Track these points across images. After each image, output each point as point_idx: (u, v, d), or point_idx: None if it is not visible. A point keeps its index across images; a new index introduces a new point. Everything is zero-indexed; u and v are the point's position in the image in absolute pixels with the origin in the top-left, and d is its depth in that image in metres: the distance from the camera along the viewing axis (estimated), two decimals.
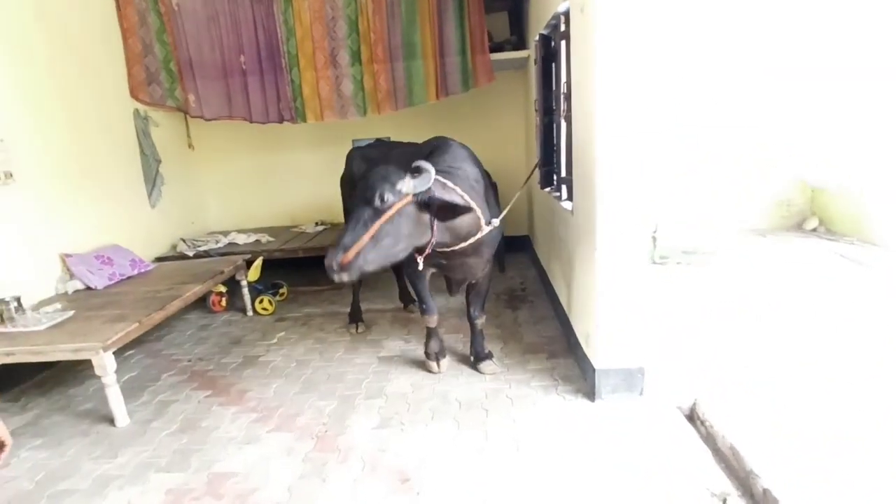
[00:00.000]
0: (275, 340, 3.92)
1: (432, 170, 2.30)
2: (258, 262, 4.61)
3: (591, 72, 2.36)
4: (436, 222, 2.36)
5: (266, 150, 5.88)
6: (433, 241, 2.42)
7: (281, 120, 4.81)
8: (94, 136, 4.34)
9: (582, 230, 2.73)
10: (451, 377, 3.09)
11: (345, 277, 2.24)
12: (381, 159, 3.24)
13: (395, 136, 5.40)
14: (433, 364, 3.18)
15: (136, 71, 4.81)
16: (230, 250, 4.95)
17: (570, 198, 3.13)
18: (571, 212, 2.96)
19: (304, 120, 4.77)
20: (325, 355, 3.57)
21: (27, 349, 2.79)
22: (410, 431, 2.58)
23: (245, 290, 4.53)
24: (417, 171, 2.30)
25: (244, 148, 5.89)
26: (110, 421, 2.92)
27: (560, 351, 3.28)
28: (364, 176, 2.40)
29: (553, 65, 3.50)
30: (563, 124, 3.17)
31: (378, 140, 3.71)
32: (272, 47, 4.63)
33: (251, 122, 4.87)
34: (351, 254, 2.20)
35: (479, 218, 2.51)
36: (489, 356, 3.16)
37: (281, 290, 4.84)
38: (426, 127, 5.34)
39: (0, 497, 2.39)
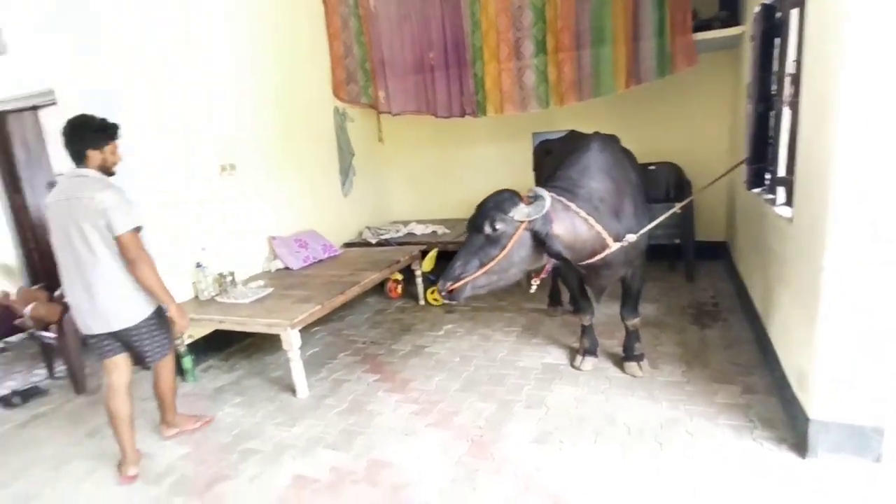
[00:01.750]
0: (442, 332, 3.99)
1: (547, 199, 2.27)
2: (433, 253, 4.75)
3: (835, 45, 1.87)
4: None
5: (447, 143, 6.04)
6: (548, 267, 2.51)
7: (463, 114, 4.88)
8: (299, 132, 4.87)
9: (804, 243, 2.21)
10: (621, 397, 2.79)
11: (453, 302, 2.37)
12: (556, 153, 3.21)
13: (577, 129, 5.12)
14: (578, 359, 3.19)
15: (338, 71, 5.28)
16: (408, 240, 5.19)
17: (788, 202, 2.59)
18: (790, 219, 2.43)
19: (485, 113, 4.76)
20: (489, 354, 3.51)
21: (234, 319, 3.22)
22: (570, 451, 2.38)
23: (419, 280, 4.70)
24: (534, 197, 2.31)
25: (428, 142, 6.14)
26: (292, 391, 3.23)
27: (759, 385, 2.75)
28: (482, 202, 2.43)
29: (776, 40, 2.92)
30: (787, 112, 2.62)
31: (572, 132, 3.52)
32: (458, 42, 4.70)
33: (436, 116, 5.02)
34: (459, 284, 2.29)
35: (602, 238, 2.45)
36: (638, 357, 3.04)
37: None
38: (608, 118, 4.96)
39: (207, 444, 2.79)
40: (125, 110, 3.33)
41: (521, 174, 5.71)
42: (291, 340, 3.05)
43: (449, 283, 2.29)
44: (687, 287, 4.38)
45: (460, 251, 2.36)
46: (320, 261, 4.55)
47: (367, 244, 5.24)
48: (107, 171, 2.50)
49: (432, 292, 4.67)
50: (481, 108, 4.76)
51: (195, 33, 3.84)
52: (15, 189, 4.85)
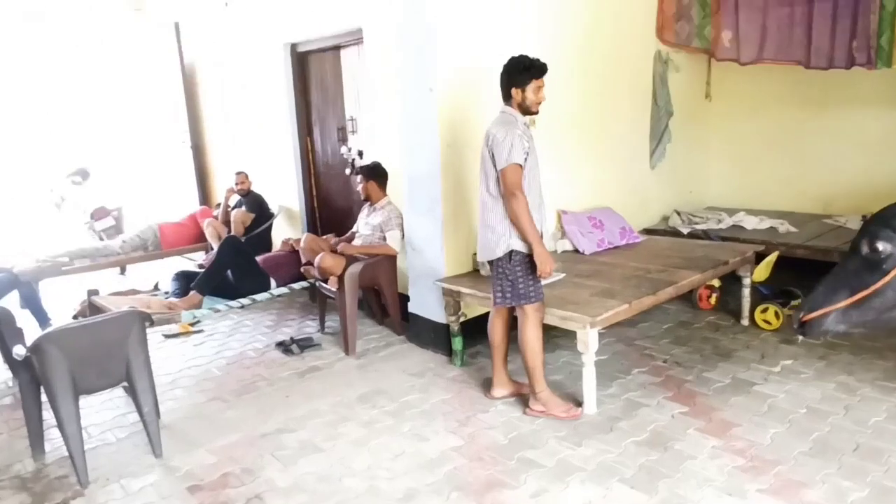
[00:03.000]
0: (777, 369, 3.71)
1: None
2: (771, 258, 4.40)
3: None
4: None
5: (806, 106, 5.48)
6: None
7: (850, 64, 4.36)
8: (607, 82, 4.95)
9: None
10: None
11: (807, 338, 2.26)
12: None
13: None
14: None
15: (667, 5, 5.18)
16: (734, 235, 4.92)
17: None
18: None
19: (889, 65, 4.17)
20: (855, 414, 3.14)
21: None
22: None
23: (745, 291, 4.42)
24: None
25: (774, 103, 5.66)
26: (577, 403, 3.37)
27: None
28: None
29: None
30: None
31: None
32: None
33: (807, 67, 4.59)
34: (815, 315, 2.13)
35: None
36: None
37: (793, 302, 4.50)
38: None
39: (480, 440, 3.11)
40: (438, 49, 3.79)
41: None
42: (589, 342, 3.16)
43: (803, 313, 2.17)
44: None
45: (829, 275, 2.19)
46: (616, 247, 4.61)
47: (676, 234, 5.13)
48: (525, 110, 3.18)
49: (763, 311, 4.35)
50: (884, 56, 4.17)
51: None
52: (307, 132, 6.00)
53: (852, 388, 3.42)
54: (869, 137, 5.17)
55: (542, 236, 3.14)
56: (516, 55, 3.17)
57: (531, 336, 3.24)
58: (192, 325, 4.91)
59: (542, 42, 4.39)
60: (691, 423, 3.14)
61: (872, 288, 2.07)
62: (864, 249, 2.08)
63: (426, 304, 4.26)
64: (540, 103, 3.20)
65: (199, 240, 6.45)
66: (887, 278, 2.04)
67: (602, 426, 3.17)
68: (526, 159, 3.11)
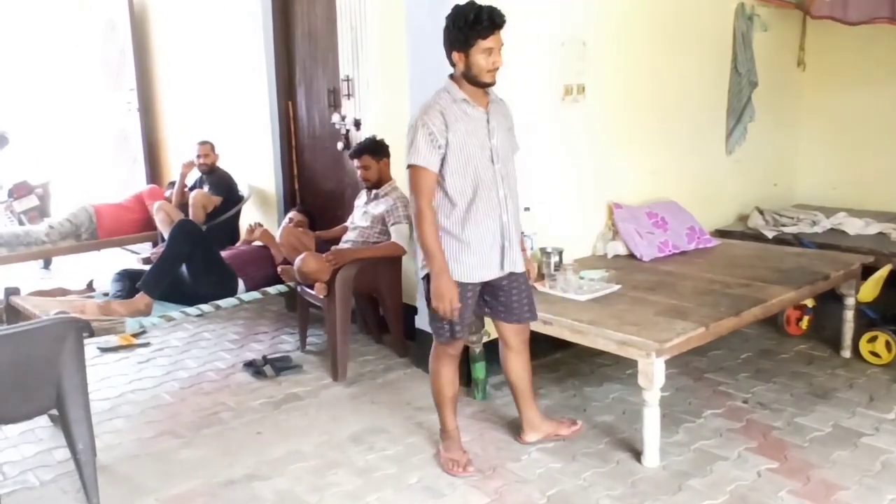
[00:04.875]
0: (892, 416, 3.63)
1: None
2: (882, 273, 4.32)
3: None
4: None
5: None
6: None
7: None
8: (676, 43, 4.89)
9: None
10: None
11: None
12: None
13: None
14: None
15: None
16: (833, 241, 4.85)
17: None
18: None
19: None
20: None
21: (567, 322, 3.40)
22: None
23: (849, 315, 4.33)
24: None
25: (885, 75, 5.57)
26: (635, 452, 3.29)
27: None
28: None
29: None
30: None
31: None
32: None
33: None
34: None
35: None
36: None
37: None
38: None
39: (510, 498, 3.02)
40: None
41: None
42: (654, 375, 3.07)
43: None
44: None
45: None
46: (684, 252, 4.55)
47: (759, 237, 5.07)
48: (473, 80, 2.91)
49: (870, 340, 4.26)
50: None
51: None
52: (287, 95, 5.91)
53: None
54: None
55: (504, 247, 3.02)
56: (461, 3, 2.87)
57: (434, 370, 3.27)
58: (136, 335, 4.84)
59: (596, 3, 4.33)
60: (783, 484, 3.05)
61: None
62: None
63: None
64: (494, 71, 2.86)
65: (145, 227, 6.41)
66: None
67: (668, 484, 3.08)
68: (445, 156, 2.87)
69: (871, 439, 3.40)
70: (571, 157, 4.36)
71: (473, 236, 2.96)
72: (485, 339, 3.92)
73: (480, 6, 2.81)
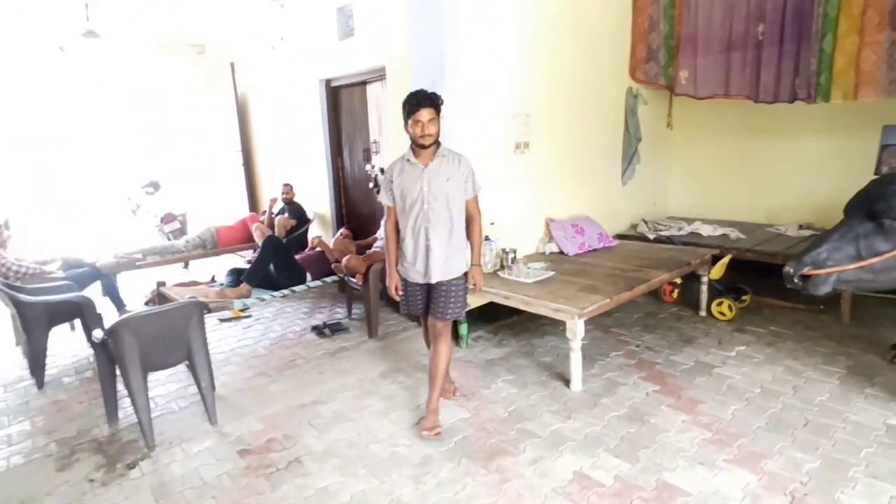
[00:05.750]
0: (733, 353, 3.54)
1: None
2: (725, 260, 4.23)
3: None
4: None
5: (752, 133, 5.29)
6: None
7: (792, 99, 4.17)
8: (589, 114, 4.77)
9: None
10: None
11: (804, 290, 2.01)
12: None
13: None
14: None
15: (639, 48, 5.00)
16: (693, 240, 4.73)
17: None
18: None
19: (827, 99, 3.97)
20: (803, 394, 2.97)
21: (520, 297, 3.32)
22: None
23: (703, 288, 4.25)
24: None
25: (725, 130, 5.46)
26: (565, 381, 3.22)
27: None
28: (879, 182, 1.99)
29: None
30: None
31: None
32: (802, 10, 3.98)
33: (756, 101, 4.41)
34: (821, 272, 1.96)
35: None
36: None
37: (744, 297, 4.34)
38: None
39: (484, 413, 2.95)
40: (447, 84, 3.63)
41: (856, 176, 4.68)
42: (577, 330, 3.01)
43: (807, 268, 1.95)
44: None
45: (829, 234, 1.99)
46: (595, 250, 4.44)
47: (644, 239, 4.95)
48: (414, 143, 2.66)
49: (718, 304, 4.18)
50: (823, 91, 3.98)
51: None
52: (338, 152, 5.83)
53: (798, 371, 3.25)
54: (805, 160, 4.99)
55: (427, 263, 2.72)
56: (411, 92, 2.67)
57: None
58: (242, 311, 4.75)
59: (537, 85, 4.24)
60: (663, 401, 2.99)
61: (887, 256, 1.90)
62: (886, 220, 1.90)
63: None
64: (423, 137, 2.58)
65: (248, 240, 6.30)
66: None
67: (588, 402, 3.01)
68: (397, 195, 2.72)
69: (720, 370, 3.33)
70: (522, 189, 4.26)
71: (408, 252, 2.76)
72: (466, 308, 3.84)
73: (415, 93, 2.62)
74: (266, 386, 3.44)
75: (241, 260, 6.31)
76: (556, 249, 4.40)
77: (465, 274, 2.85)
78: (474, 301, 3.94)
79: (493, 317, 4.22)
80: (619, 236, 5.10)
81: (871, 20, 3.67)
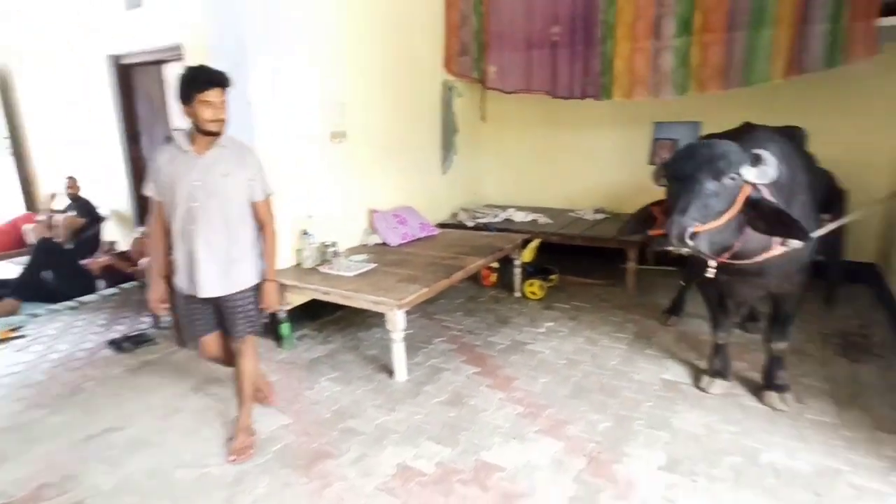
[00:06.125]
0: (542, 330, 3.82)
1: (774, 165, 2.06)
2: (535, 244, 4.56)
3: None
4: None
5: (554, 126, 5.77)
6: (736, 248, 2.19)
7: (584, 96, 4.60)
8: (407, 104, 4.78)
9: None
10: (763, 432, 2.52)
11: (691, 248, 1.97)
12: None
13: (706, 121, 4.72)
14: (706, 380, 2.92)
15: (452, 42, 5.14)
16: (507, 227, 5.02)
17: None
18: None
19: (609, 97, 4.46)
20: (598, 360, 3.31)
21: (339, 292, 3.20)
22: (708, 489, 2.16)
23: (517, 271, 4.53)
24: (757, 161, 2.08)
25: (532, 124, 5.88)
26: (389, 372, 3.19)
27: None
28: (705, 142, 2.20)
29: None
30: None
31: (747, 124, 3.06)
32: (588, 17, 4.41)
33: (554, 96, 4.78)
34: (704, 228, 1.99)
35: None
36: (781, 388, 2.75)
37: (551, 277, 4.73)
38: (749, 110, 4.44)
39: (306, 416, 2.79)
40: (251, 66, 3.34)
41: (637, 166, 5.37)
42: (397, 321, 2.99)
43: (695, 224, 1.96)
44: (826, 312, 3.94)
45: (682, 196, 2.04)
46: (418, 239, 4.48)
47: (463, 227, 5.12)
48: (200, 129, 2.24)
49: (530, 285, 4.50)
50: (606, 90, 4.46)
51: None
52: (134, 140, 5.12)
53: (595, 340, 3.61)
54: (599, 151, 5.57)
55: (194, 273, 2.32)
56: (190, 66, 2.26)
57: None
58: (12, 331, 3.94)
59: (353, 73, 4.11)
60: (483, 381, 3.10)
61: (728, 217, 2.03)
62: (725, 179, 2.03)
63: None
64: (213, 122, 2.20)
65: (20, 245, 5.27)
66: (733, 212, 2.05)
67: (411, 391, 3.02)
68: (165, 187, 2.30)
69: (531, 346, 3.53)
70: (342, 180, 4.13)
71: (179, 257, 2.38)
72: (287, 308, 3.63)
73: (201, 68, 2.23)
74: (41, 420, 2.88)
75: (18, 269, 5.27)
76: (380, 240, 4.35)
77: (258, 286, 2.48)
78: (295, 299, 3.74)
79: (317, 313, 4.04)
80: (441, 225, 5.22)
81: (640, 29, 4.18)
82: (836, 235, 3.88)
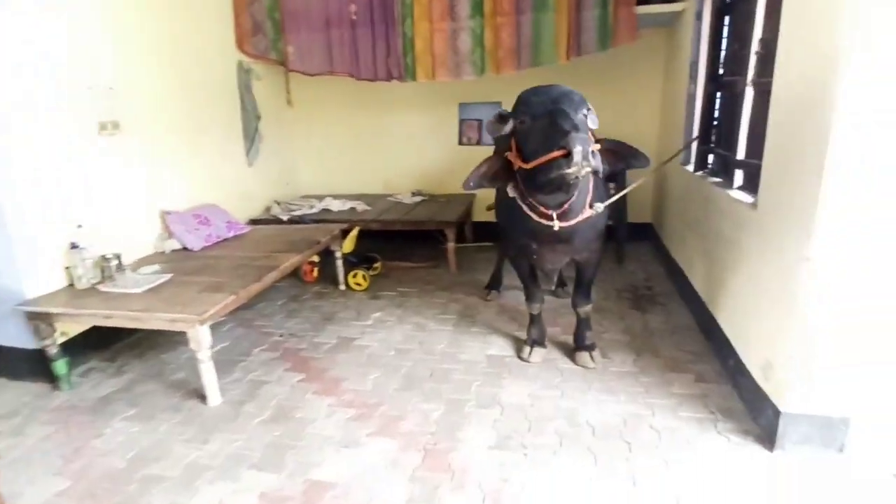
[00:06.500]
0: (370, 322, 3.68)
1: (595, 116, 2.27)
2: (354, 233, 4.38)
3: (831, 18, 1.79)
4: None
5: (365, 109, 5.61)
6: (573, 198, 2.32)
7: (389, 77, 4.49)
8: (197, 89, 4.22)
9: (772, 231, 2.18)
10: (578, 391, 2.69)
11: (590, 168, 1.93)
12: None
13: (506, 102, 4.95)
14: (526, 350, 3.04)
15: (243, 20, 4.64)
16: (324, 217, 4.76)
17: (748, 188, 2.57)
18: (752, 205, 2.41)
19: (414, 78, 4.40)
20: (426, 346, 3.27)
21: (124, 314, 2.68)
22: (536, 459, 2.22)
23: (339, 263, 4.32)
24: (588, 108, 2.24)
25: (342, 107, 5.65)
26: (201, 397, 2.79)
27: (710, 374, 2.77)
28: (550, 84, 2.28)
29: (729, 18, 2.88)
30: (750, 93, 2.58)
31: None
32: None
33: (358, 78, 4.59)
34: (595, 148, 1.99)
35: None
36: (590, 347, 2.97)
37: (375, 265, 4.61)
38: None
39: (93, 472, 2.29)
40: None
41: (449, 147, 5.46)
42: (201, 339, 2.59)
43: (589, 145, 1.93)
44: (618, 270, 4.42)
45: (562, 120, 2.00)
46: (225, 240, 4.02)
47: (278, 221, 4.75)
48: None
49: (353, 276, 4.32)
50: (410, 71, 4.40)
51: None
52: None
53: (422, 325, 3.57)
54: (411, 133, 5.55)
55: None
56: None
57: None
58: None
59: (122, 54, 3.46)
60: (309, 388, 2.86)
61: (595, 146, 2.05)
62: (580, 112, 2.14)
63: (7, 333, 3.03)
64: None
65: None
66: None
67: (227, 414, 2.66)
68: None
69: (359, 341, 3.38)
70: (119, 179, 3.48)
71: None
72: (60, 341, 2.97)
73: None
74: None
75: None
76: (178, 246, 3.79)
77: None
78: (71, 329, 3.09)
79: (107, 339, 3.41)
80: (253, 221, 4.79)
81: (436, 9, 4.17)
82: (622, 200, 4.37)
